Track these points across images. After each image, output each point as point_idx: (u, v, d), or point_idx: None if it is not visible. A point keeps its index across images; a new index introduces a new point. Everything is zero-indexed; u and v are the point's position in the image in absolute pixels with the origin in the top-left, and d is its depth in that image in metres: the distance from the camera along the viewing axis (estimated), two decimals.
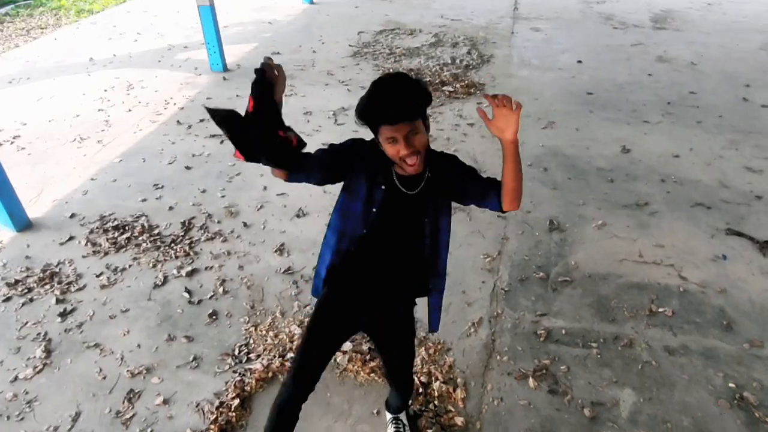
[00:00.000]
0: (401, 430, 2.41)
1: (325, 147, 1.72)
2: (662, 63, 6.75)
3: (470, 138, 5.04)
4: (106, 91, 6.30)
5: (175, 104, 5.89)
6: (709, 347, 2.84)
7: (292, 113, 5.56)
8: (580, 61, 6.82)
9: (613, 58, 6.93)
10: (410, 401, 2.46)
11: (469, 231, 3.77)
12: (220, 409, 2.57)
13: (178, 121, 5.46)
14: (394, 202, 1.71)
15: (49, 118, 5.64)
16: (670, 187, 4.20)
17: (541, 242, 3.65)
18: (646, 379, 2.66)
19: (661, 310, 3.05)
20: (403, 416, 2.45)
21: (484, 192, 1.71)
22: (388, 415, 2.48)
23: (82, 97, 6.16)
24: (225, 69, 6.76)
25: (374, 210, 1.70)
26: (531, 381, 2.67)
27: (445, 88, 6.07)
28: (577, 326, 2.98)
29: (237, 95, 6.04)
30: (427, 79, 6.29)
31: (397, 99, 1.53)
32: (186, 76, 6.67)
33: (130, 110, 5.77)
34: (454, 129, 5.21)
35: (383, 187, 1.69)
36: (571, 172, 4.42)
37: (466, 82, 6.21)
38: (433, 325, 2.02)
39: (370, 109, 1.56)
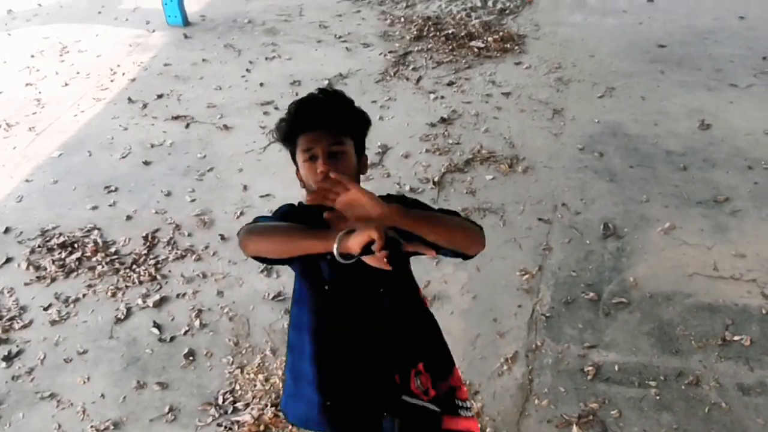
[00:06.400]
0: None
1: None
2: (760, 0, 6.96)
3: (506, 112, 5.36)
4: (33, 56, 6.69)
5: (123, 74, 6.26)
6: None
7: (274, 83, 5.91)
8: (651, 0, 7.05)
9: None
10: None
11: (502, 240, 4.11)
12: None
13: (129, 99, 5.83)
14: (342, 273, 1.78)
15: None
16: (759, 176, 4.49)
17: (592, 253, 3.98)
18: (713, 425, 3.01)
19: (736, 338, 3.38)
20: None
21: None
22: None
23: (3, 66, 6.56)
24: (185, 22, 7.12)
25: (326, 288, 1.88)
26: (575, 429, 3.03)
27: (473, 43, 6.37)
28: (633, 360, 3.33)
29: (203, 59, 6.40)
30: (450, 32, 6.58)
31: (322, 104, 1.79)
32: (135, 34, 7.03)
33: (66, 84, 6.16)
34: (485, 100, 5.52)
35: (328, 255, 1.68)
36: (634, 158, 4.72)
37: (502, 33, 6.50)
38: None
39: (290, 116, 1.81)
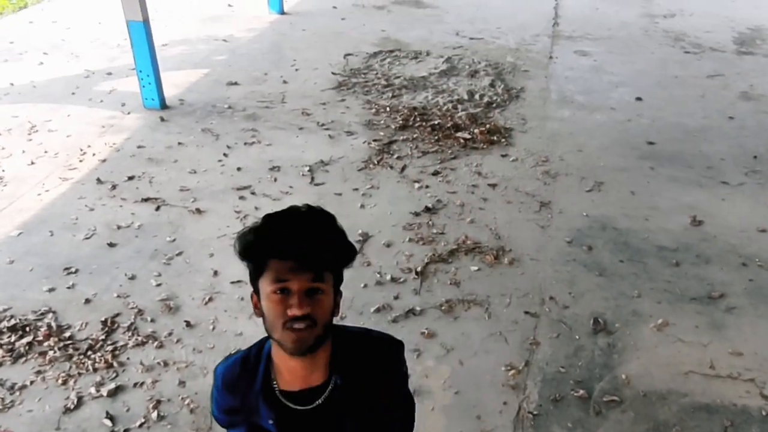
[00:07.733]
0: None
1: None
2: (747, 101, 7.33)
3: (492, 204, 5.44)
4: (0, 134, 6.74)
5: (94, 155, 6.30)
6: None
7: (252, 168, 5.99)
8: (639, 98, 7.39)
9: (683, 95, 7.52)
10: None
11: (487, 333, 4.08)
12: None
13: (98, 179, 5.85)
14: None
15: None
16: (754, 272, 4.57)
17: (582, 348, 3.96)
18: None
19: None
20: None
21: None
22: None
23: None
24: (163, 106, 7.24)
25: None
26: None
27: (459, 134, 6.55)
28: None
29: (179, 143, 6.48)
30: (436, 122, 6.77)
31: (308, 228, 1.52)
32: (109, 116, 7.13)
33: (32, 163, 6.18)
34: (471, 191, 5.62)
35: (270, 420, 1.69)
36: (624, 253, 4.79)
37: (488, 126, 6.70)
38: None
39: (261, 232, 1.52)
